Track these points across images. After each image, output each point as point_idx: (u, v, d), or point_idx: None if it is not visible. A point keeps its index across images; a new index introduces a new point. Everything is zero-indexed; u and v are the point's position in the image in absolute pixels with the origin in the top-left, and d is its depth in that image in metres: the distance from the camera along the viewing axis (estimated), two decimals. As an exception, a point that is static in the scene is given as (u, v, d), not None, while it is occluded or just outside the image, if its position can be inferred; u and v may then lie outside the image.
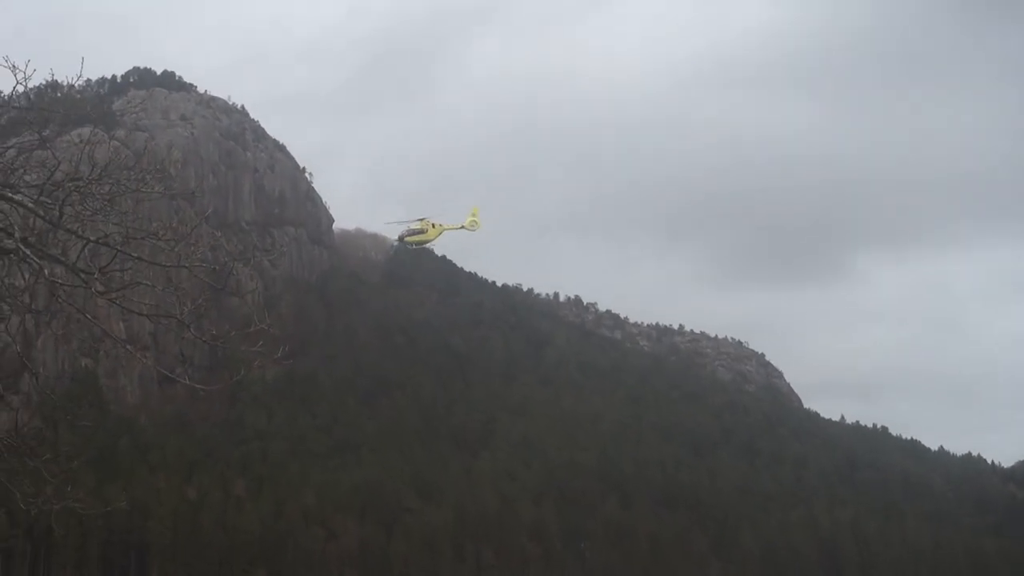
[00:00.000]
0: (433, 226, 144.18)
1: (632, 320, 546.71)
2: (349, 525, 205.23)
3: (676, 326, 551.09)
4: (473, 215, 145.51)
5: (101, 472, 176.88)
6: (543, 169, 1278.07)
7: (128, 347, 18.03)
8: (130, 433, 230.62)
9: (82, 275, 14.37)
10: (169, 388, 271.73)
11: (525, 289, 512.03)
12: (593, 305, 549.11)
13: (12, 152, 16.15)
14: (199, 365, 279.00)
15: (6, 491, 15.07)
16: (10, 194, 14.14)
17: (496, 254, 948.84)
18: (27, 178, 15.03)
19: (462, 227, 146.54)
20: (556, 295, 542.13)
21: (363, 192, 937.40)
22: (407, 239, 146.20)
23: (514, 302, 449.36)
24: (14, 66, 14.60)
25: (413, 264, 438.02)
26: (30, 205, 14.15)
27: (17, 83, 14.69)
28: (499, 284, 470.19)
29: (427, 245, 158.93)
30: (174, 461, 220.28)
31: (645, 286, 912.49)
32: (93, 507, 17.31)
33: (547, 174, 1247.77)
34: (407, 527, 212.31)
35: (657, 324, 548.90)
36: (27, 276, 15.22)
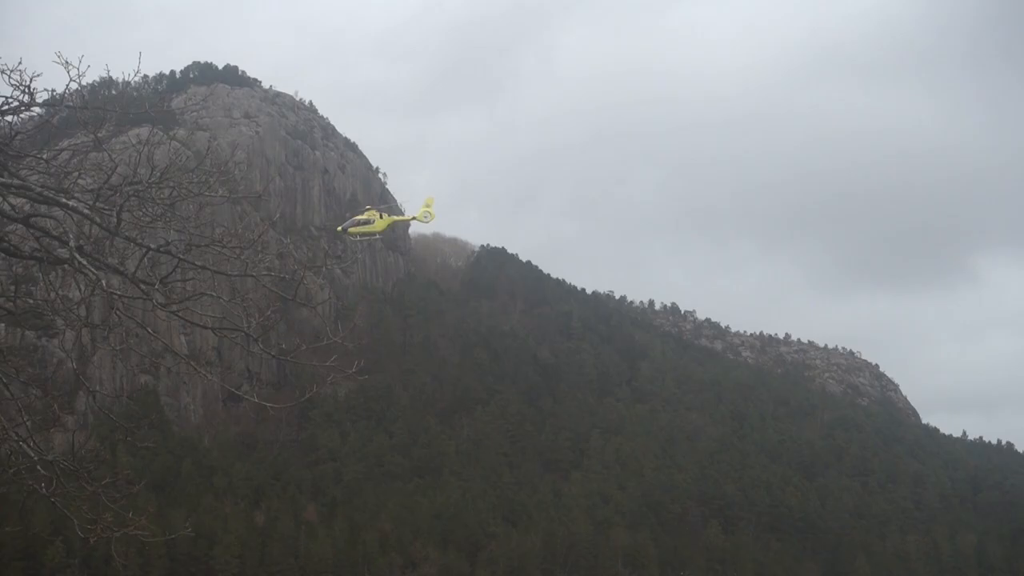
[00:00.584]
0: (381, 216, 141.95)
1: (734, 329, 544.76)
2: (430, 552, 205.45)
3: (782, 335, 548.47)
4: (427, 206, 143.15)
5: (163, 497, 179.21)
6: (633, 169, 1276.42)
7: (191, 363, 18.14)
8: (193, 455, 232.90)
9: (142, 286, 14.54)
10: (234, 407, 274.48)
11: (617, 297, 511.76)
12: (691, 313, 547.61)
13: (66, 155, 16.40)
14: (266, 381, 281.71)
15: (62, 518, 15.28)
16: (64, 200, 14.36)
17: (585, 260, 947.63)
18: (82, 182, 15.25)
19: (414, 218, 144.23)
20: (651, 303, 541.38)
21: (441, 194, 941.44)
22: (351, 231, 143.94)
23: (606, 311, 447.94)
24: (67, 62, 14.84)
25: (496, 271, 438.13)
26: (85, 211, 14.35)
27: (71, 80, 14.92)
28: (589, 292, 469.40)
29: (375, 238, 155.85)
30: (241, 485, 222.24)
31: (748, 293, 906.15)
32: (155, 534, 17.46)
33: (638, 174, 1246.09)
34: (492, 554, 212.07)
35: (761, 333, 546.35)
36: (83, 288, 15.44)
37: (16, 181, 14.38)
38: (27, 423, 14.52)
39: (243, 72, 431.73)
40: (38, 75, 14.85)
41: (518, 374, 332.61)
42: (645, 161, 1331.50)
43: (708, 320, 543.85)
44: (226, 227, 16.22)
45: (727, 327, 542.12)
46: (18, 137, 15.65)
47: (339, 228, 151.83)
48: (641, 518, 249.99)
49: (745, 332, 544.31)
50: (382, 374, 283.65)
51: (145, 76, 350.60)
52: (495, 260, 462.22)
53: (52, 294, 17.27)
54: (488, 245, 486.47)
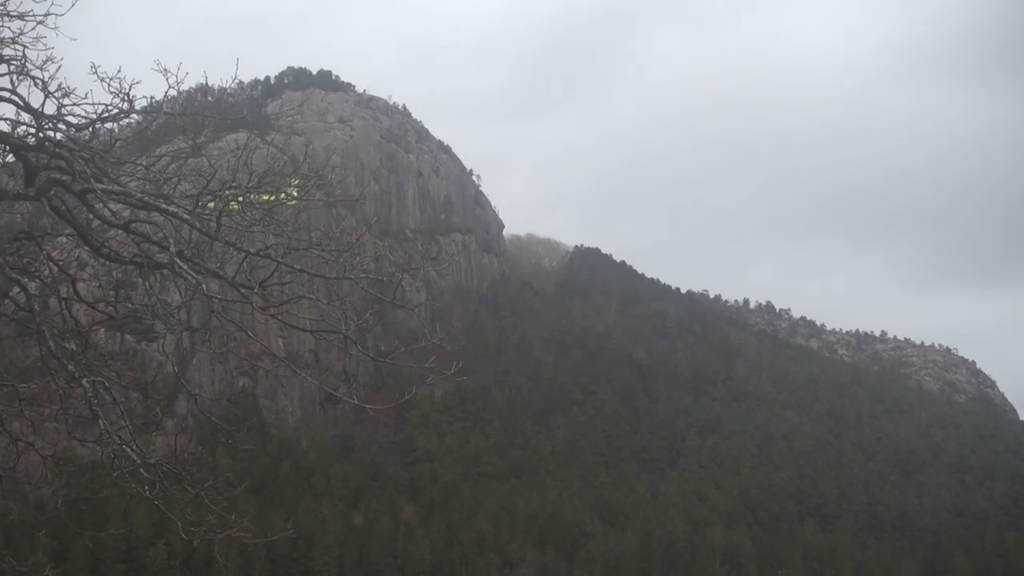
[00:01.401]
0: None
1: (829, 327, 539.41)
2: (527, 552, 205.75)
3: (878, 333, 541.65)
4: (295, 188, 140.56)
5: (262, 499, 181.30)
6: (725, 170, 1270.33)
7: (291, 365, 18.33)
8: (292, 457, 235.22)
9: (241, 290, 14.71)
10: (332, 409, 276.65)
11: (712, 296, 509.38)
12: (786, 312, 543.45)
13: (164, 161, 16.63)
14: (363, 383, 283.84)
15: (163, 521, 15.50)
16: (164, 205, 14.56)
17: (679, 259, 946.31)
18: (181, 187, 15.45)
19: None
20: (746, 302, 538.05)
21: (534, 196, 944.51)
22: None
23: (701, 310, 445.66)
24: (165, 70, 15.04)
25: (590, 271, 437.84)
26: (185, 216, 14.53)
27: (169, 87, 15.13)
28: (683, 291, 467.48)
29: None
30: (339, 486, 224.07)
31: (842, 291, 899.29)
32: (256, 536, 17.65)
33: (730, 175, 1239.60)
34: (589, 554, 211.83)
35: (857, 331, 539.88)
36: (183, 292, 15.65)
37: (117, 187, 14.62)
38: (129, 427, 14.75)
39: (337, 77, 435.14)
40: (137, 83, 15.10)
41: (613, 374, 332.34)
42: (737, 162, 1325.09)
43: (803, 318, 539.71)
44: (322, 231, 16.34)
45: (822, 325, 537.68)
46: (118, 144, 15.89)
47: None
48: (738, 517, 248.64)
49: (840, 330, 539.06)
50: (478, 375, 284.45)
51: (240, 82, 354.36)
52: (589, 260, 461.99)
53: (152, 298, 17.53)
54: (582, 246, 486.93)
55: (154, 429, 17.79)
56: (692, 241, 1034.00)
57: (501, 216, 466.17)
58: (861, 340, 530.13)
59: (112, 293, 19.51)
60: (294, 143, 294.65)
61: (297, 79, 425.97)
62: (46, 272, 17.68)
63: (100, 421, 14.01)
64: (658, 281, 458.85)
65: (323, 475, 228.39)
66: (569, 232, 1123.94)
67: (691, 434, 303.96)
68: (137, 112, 15.89)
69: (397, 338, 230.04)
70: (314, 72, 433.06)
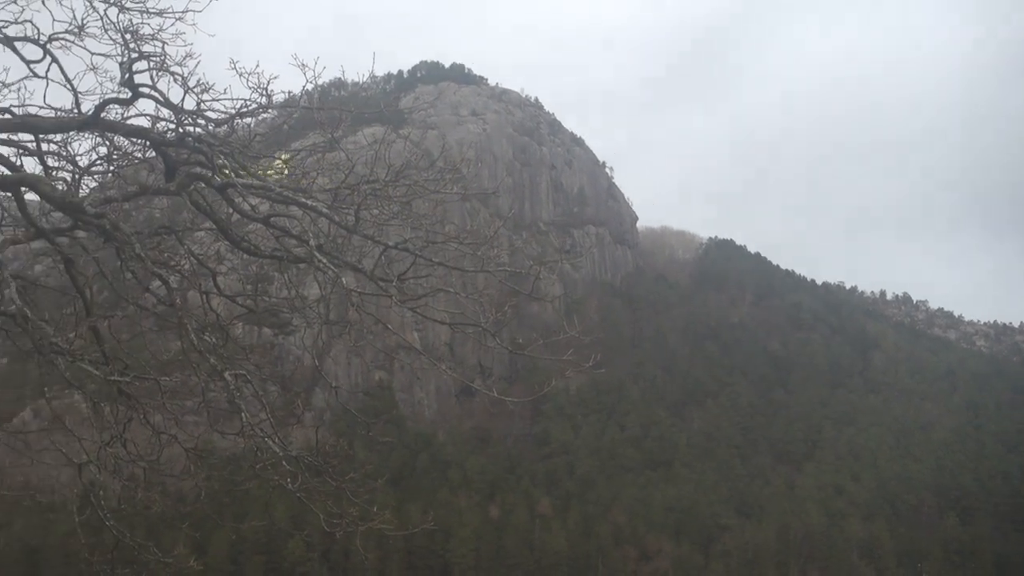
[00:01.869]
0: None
1: (968, 318, 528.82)
2: (663, 544, 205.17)
3: (1017, 324, 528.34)
4: (280, 166, 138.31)
5: (400, 491, 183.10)
6: (862, 160, 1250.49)
7: (429, 358, 18.36)
8: (428, 449, 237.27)
9: (380, 283, 14.73)
10: (467, 401, 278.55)
11: (847, 287, 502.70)
12: (923, 303, 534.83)
13: (302, 155, 16.75)
14: (499, 376, 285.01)
15: (302, 513, 15.62)
16: (303, 199, 14.63)
17: (814, 251, 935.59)
18: (319, 182, 15.52)
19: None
20: (882, 293, 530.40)
21: (667, 188, 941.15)
22: None
23: (836, 301, 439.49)
24: (303, 64, 15.12)
25: (724, 263, 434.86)
26: (324, 210, 14.60)
27: (307, 82, 15.21)
28: (819, 283, 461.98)
29: None
30: (475, 479, 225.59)
31: (981, 281, 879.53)
32: (397, 528, 17.75)
33: (866, 165, 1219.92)
34: (725, 547, 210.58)
35: (995, 322, 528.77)
36: (322, 285, 15.74)
37: (256, 182, 14.73)
38: (270, 419, 14.87)
39: (469, 70, 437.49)
40: (275, 78, 15.19)
41: (748, 366, 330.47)
42: (874, 152, 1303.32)
43: (941, 309, 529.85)
44: (456, 224, 16.33)
45: (960, 316, 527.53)
46: (256, 139, 16.03)
47: None
48: (876, 509, 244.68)
49: (979, 321, 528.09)
50: (613, 368, 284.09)
51: (374, 76, 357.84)
52: (723, 252, 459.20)
53: (292, 292, 17.68)
54: (716, 237, 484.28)
55: (295, 422, 17.92)
56: (827, 232, 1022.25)
57: (635, 208, 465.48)
58: (1000, 331, 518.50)
59: (250, 287, 19.67)
60: (428, 137, 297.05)
61: (430, 73, 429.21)
62: (186, 266, 17.93)
63: (242, 414, 14.14)
64: (793, 272, 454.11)
65: (459, 468, 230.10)
66: (703, 224, 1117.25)
67: (827, 426, 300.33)
68: (275, 107, 16.02)
69: (532, 331, 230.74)
70: (447, 66, 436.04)
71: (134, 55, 15.14)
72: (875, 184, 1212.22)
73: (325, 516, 15.25)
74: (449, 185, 15.70)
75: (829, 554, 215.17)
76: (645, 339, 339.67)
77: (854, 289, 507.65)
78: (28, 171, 15.31)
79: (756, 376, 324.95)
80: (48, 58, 15.81)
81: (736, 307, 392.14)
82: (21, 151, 15.69)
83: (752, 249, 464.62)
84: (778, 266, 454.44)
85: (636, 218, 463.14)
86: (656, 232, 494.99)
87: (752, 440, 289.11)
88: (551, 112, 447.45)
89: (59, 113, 15.56)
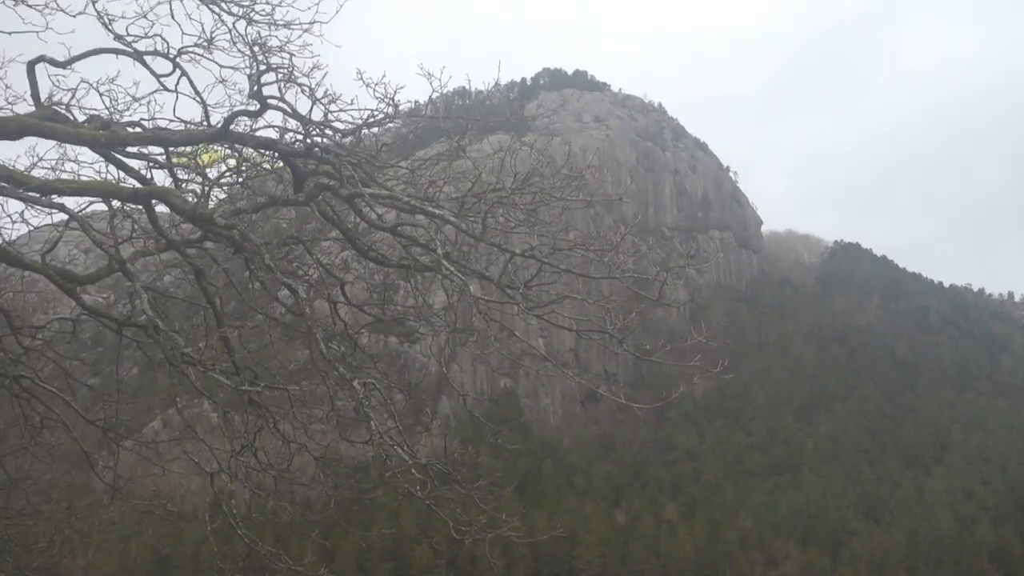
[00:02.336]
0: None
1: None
2: (791, 550, 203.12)
3: None
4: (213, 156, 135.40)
5: (526, 498, 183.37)
6: (988, 161, 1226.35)
7: (555, 364, 18.29)
8: (554, 456, 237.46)
9: (507, 290, 14.69)
10: (592, 408, 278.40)
11: (975, 289, 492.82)
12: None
13: (428, 163, 16.78)
14: (624, 382, 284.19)
15: (428, 520, 15.65)
16: (431, 208, 14.64)
17: (940, 254, 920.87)
18: (446, 190, 15.54)
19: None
20: (1010, 295, 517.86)
21: (792, 192, 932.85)
22: None
23: (964, 304, 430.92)
24: (429, 73, 15.13)
25: (850, 266, 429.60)
26: (451, 219, 14.59)
27: (433, 91, 15.23)
28: (946, 285, 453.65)
29: None
30: (601, 485, 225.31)
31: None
32: (524, 536, 17.67)
33: (993, 166, 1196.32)
34: (854, 552, 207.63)
35: None
36: (449, 293, 15.75)
37: (384, 191, 14.78)
38: (399, 427, 14.89)
39: (592, 77, 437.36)
40: (401, 87, 15.23)
41: (876, 370, 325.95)
42: (1001, 153, 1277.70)
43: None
44: (580, 230, 16.23)
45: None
46: (383, 149, 16.10)
47: None
48: (1006, 514, 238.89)
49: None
50: (738, 372, 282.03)
51: (497, 84, 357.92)
52: (849, 256, 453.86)
53: (418, 300, 17.71)
54: (842, 241, 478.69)
55: (424, 430, 17.97)
56: (953, 235, 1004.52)
57: (759, 212, 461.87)
58: None
59: (377, 296, 19.77)
60: (552, 144, 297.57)
61: (553, 80, 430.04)
62: (314, 276, 18.08)
63: (372, 422, 14.18)
64: (920, 275, 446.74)
65: (585, 474, 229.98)
66: (828, 228, 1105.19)
67: (956, 429, 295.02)
68: (401, 117, 16.07)
69: (657, 336, 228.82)
70: (570, 72, 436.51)
71: (262, 67, 15.29)
72: (1003, 186, 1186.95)
73: (453, 523, 15.23)
74: (574, 192, 15.60)
75: (959, 559, 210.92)
76: (771, 343, 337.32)
77: (982, 291, 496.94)
78: (158, 184, 15.54)
79: (883, 380, 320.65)
80: (177, 71, 16.03)
81: (863, 310, 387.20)
82: (151, 164, 15.93)
83: (878, 252, 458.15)
84: (905, 269, 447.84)
85: (761, 222, 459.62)
86: (781, 236, 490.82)
87: (880, 444, 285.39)
88: (674, 117, 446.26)
89: (189, 126, 15.76)
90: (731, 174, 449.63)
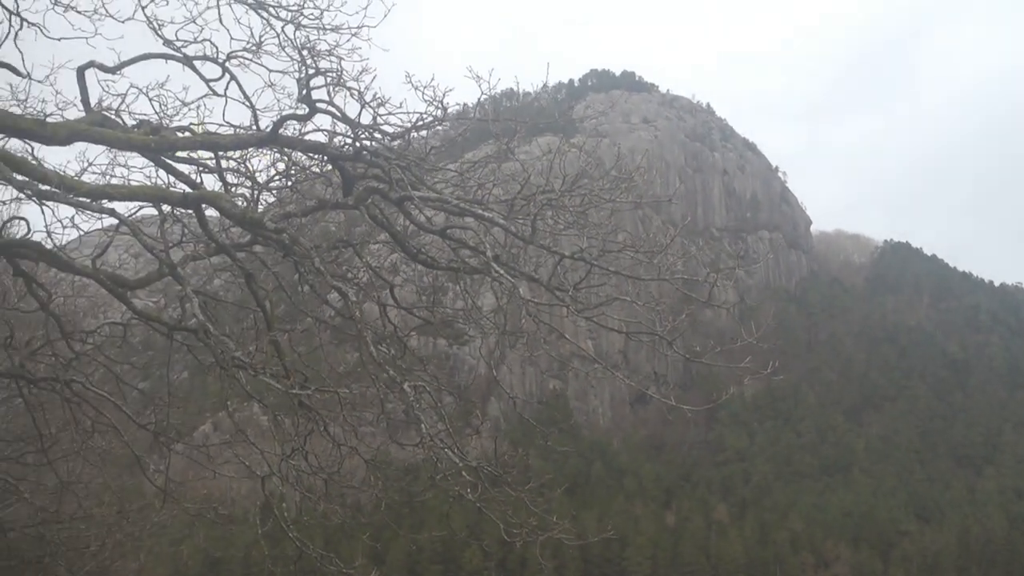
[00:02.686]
0: None
1: None
2: (841, 551, 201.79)
3: None
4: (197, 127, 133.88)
5: (575, 499, 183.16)
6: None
7: (604, 366, 18.19)
8: (603, 458, 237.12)
9: (557, 293, 14.62)
10: (641, 409, 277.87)
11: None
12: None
13: (477, 166, 16.73)
14: (673, 383, 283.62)
15: (478, 522, 15.65)
16: (480, 211, 14.59)
17: (991, 252, 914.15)
18: (495, 192, 15.48)
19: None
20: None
21: (841, 192, 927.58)
22: None
23: (1014, 303, 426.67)
24: (478, 76, 15.08)
25: (900, 266, 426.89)
26: (501, 221, 14.53)
27: (482, 94, 15.18)
28: (996, 284, 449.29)
29: None
30: (651, 486, 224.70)
31: None
32: (575, 537, 17.62)
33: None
34: (905, 552, 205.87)
35: None
36: (499, 296, 15.70)
37: (433, 194, 14.75)
38: (449, 430, 14.84)
39: (640, 78, 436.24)
40: (450, 90, 15.19)
41: (926, 369, 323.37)
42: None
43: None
44: (629, 232, 16.14)
45: None
46: (432, 151, 16.08)
47: None
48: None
49: None
50: (788, 373, 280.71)
51: (546, 86, 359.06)
52: (899, 255, 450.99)
53: (467, 302, 17.69)
54: (891, 240, 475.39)
55: (474, 433, 17.91)
56: (1004, 233, 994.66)
57: (808, 212, 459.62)
58: None
59: (427, 298, 19.76)
60: (601, 145, 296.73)
61: (600, 81, 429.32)
62: (364, 279, 18.07)
63: (422, 425, 14.13)
64: (970, 274, 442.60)
65: (635, 475, 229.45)
66: (878, 227, 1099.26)
67: (1007, 429, 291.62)
68: (450, 119, 16.03)
69: (706, 338, 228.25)
70: (617, 74, 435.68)
71: (311, 71, 15.28)
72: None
73: (504, 526, 15.17)
74: (623, 194, 15.51)
75: (1011, 559, 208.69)
76: (820, 343, 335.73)
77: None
78: (208, 188, 15.57)
79: (934, 379, 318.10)
80: (227, 76, 16.05)
81: (913, 310, 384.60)
82: (201, 168, 15.97)
83: (928, 251, 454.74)
84: (955, 268, 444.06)
85: (810, 222, 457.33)
86: (830, 236, 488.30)
87: (931, 444, 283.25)
88: (723, 117, 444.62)
89: (238, 130, 15.78)
90: (780, 175, 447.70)
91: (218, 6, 15.56)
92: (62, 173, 13.35)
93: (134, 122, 15.36)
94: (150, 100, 16.01)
